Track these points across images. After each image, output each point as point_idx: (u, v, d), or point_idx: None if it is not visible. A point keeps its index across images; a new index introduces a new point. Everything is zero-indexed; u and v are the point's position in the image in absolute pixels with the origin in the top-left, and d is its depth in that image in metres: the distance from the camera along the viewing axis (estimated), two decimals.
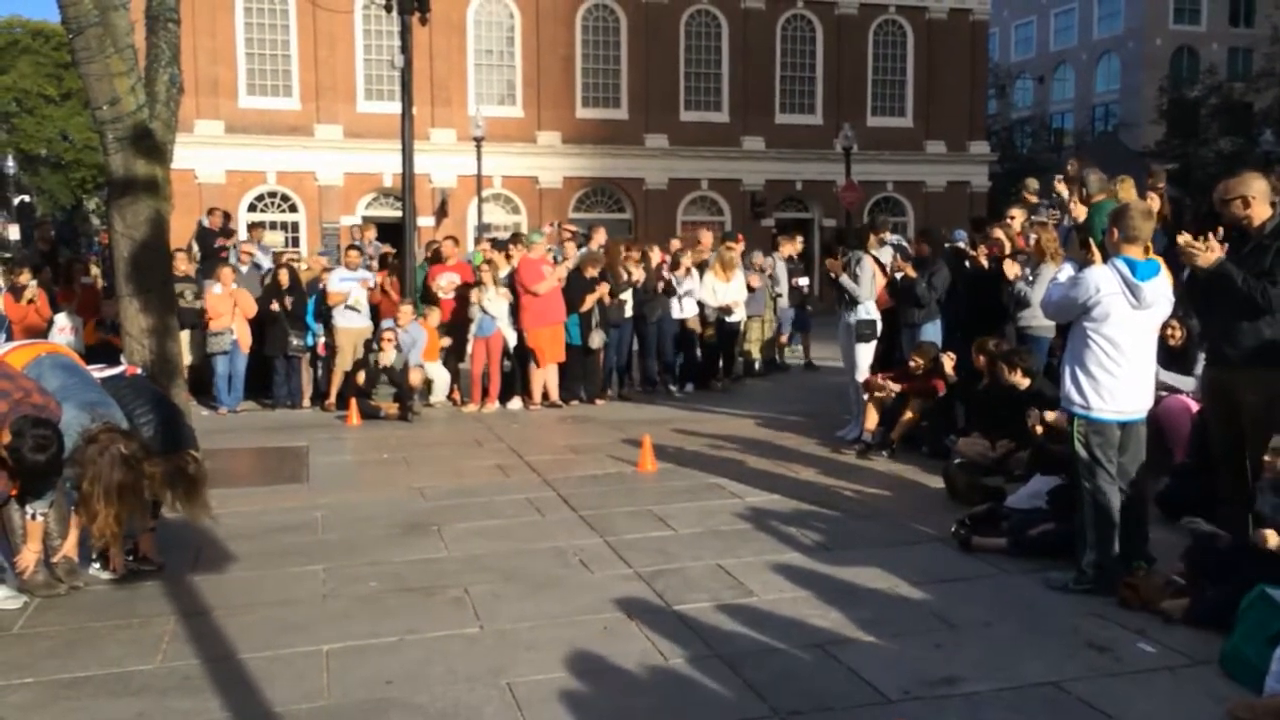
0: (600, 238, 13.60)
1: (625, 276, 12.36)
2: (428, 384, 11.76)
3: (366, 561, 5.86)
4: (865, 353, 9.41)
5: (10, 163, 38.98)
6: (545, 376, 11.73)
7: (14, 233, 38.32)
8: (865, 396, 8.99)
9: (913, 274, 9.56)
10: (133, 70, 7.41)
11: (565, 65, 29.71)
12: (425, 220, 27.06)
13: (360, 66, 28.16)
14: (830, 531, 6.35)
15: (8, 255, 30.06)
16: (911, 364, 8.82)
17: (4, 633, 4.78)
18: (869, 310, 9.37)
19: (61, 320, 11.38)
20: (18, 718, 3.91)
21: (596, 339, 11.90)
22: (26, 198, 45.88)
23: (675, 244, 14.06)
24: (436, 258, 12.90)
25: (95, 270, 15.10)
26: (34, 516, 5.09)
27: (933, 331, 9.55)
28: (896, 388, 8.77)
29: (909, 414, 8.62)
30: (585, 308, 11.73)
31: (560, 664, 4.34)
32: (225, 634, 4.73)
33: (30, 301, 11.42)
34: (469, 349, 11.87)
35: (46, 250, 14.46)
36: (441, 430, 10.56)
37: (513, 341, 11.77)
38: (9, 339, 11.32)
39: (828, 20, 31.62)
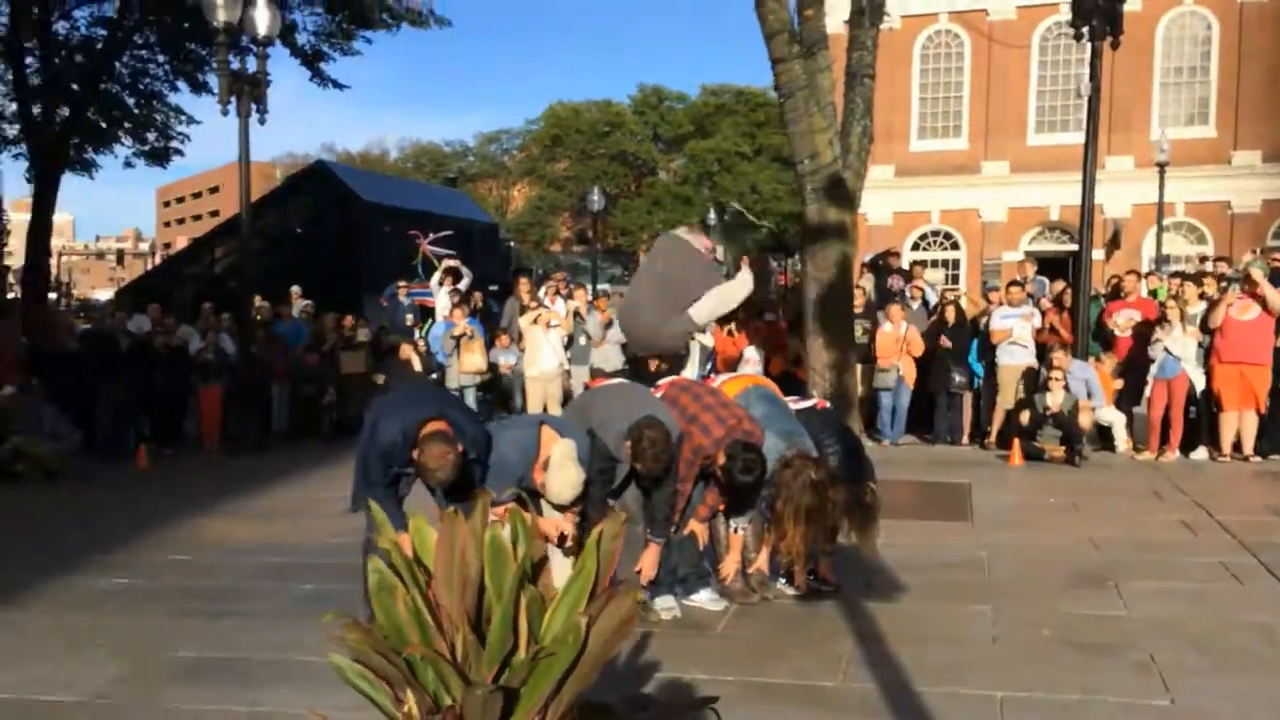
0: None
1: None
2: (1100, 428, 11.12)
3: (1036, 609, 5.66)
4: None
5: (712, 216, 44.58)
6: (1238, 424, 10.43)
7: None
8: None
9: None
10: (831, 125, 8.08)
11: (1272, 76, 26.30)
12: (1096, 254, 25.69)
13: (1033, 99, 27.70)
14: None
15: None
16: None
17: (709, 631, 5.42)
18: None
19: (750, 353, 12.71)
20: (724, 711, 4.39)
21: None
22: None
23: None
24: (1115, 294, 12.16)
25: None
26: (736, 530, 5.73)
27: None
28: None
29: None
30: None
31: None
32: (898, 663, 4.87)
33: (730, 334, 12.93)
34: (1147, 391, 10.99)
35: None
36: (1113, 478, 9.89)
37: (1199, 384, 10.66)
38: (714, 370, 12.95)
39: None
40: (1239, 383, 10.32)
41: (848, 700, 4.45)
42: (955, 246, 28.83)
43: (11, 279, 27.27)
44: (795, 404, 6.03)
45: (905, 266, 16.83)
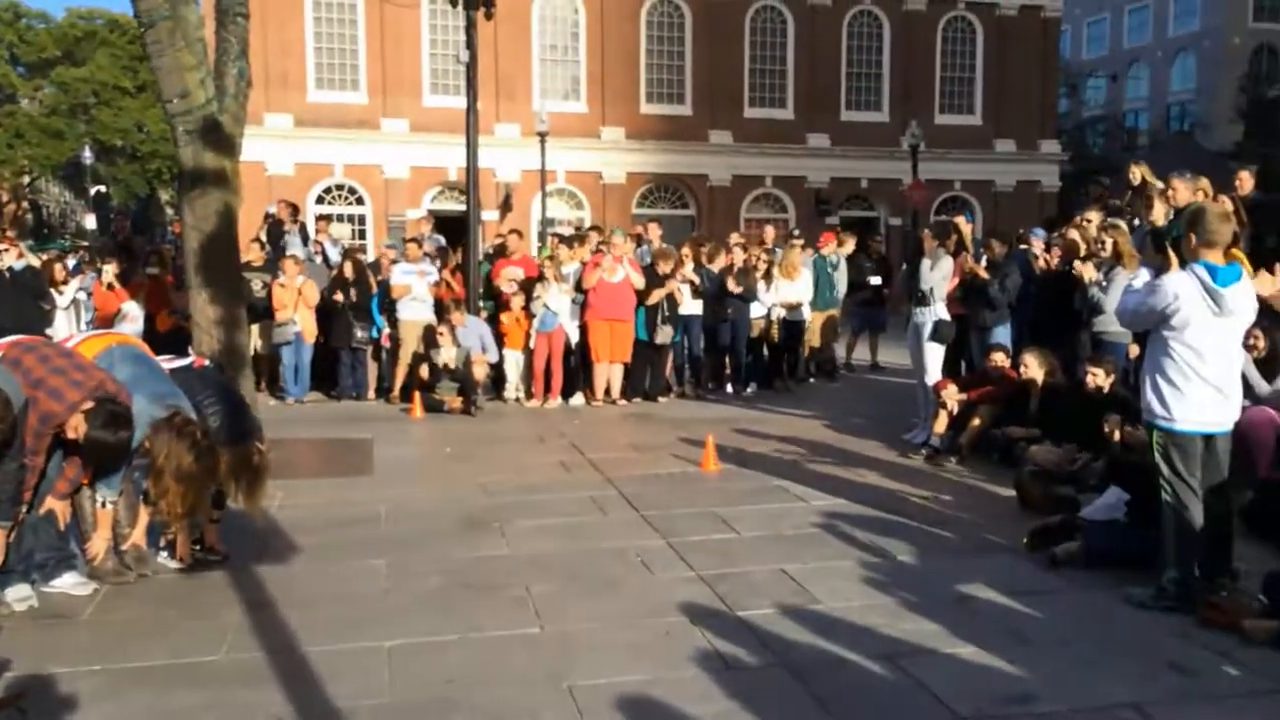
0: (654, 234, 13.46)
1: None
2: (500, 374, 11.86)
3: (429, 557, 5.85)
4: (936, 354, 9.22)
5: (88, 153, 39.95)
6: (609, 373, 11.70)
7: (91, 221, 39.38)
8: (936, 399, 8.81)
9: (985, 275, 9.36)
10: (202, 64, 7.50)
11: (629, 60, 29.65)
12: (489, 214, 27.18)
13: (426, 61, 28.36)
14: (898, 538, 6.22)
15: (85, 243, 30.86)
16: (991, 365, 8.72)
17: (74, 619, 4.84)
18: (943, 311, 9.17)
19: (130, 309, 11.60)
20: (87, 706, 3.94)
21: (664, 334, 11.82)
22: (103, 188, 47.03)
23: (736, 238, 13.75)
24: (501, 252, 12.91)
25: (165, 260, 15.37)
26: (104, 504, 5.15)
27: (1003, 334, 9.35)
28: (961, 396, 8.60)
29: (978, 419, 8.44)
30: (652, 301, 11.67)
31: (621, 667, 4.29)
32: (289, 627, 4.73)
33: (110, 288, 11.71)
34: (531, 344, 11.87)
35: (123, 240, 14.77)
36: (504, 425, 10.58)
37: (575, 337, 11.76)
38: (91, 326, 11.64)
39: (895, 16, 31.19)
40: (609, 336, 11.53)
41: (230, 673, 4.23)
42: (360, 201, 28.73)
43: None
44: (170, 363, 5.55)
45: (304, 219, 16.43)
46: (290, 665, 4.31)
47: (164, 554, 5.63)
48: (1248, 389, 6.80)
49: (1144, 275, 5.18)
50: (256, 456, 5.37)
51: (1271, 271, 5.10)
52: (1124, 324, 6.07)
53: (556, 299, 11.50)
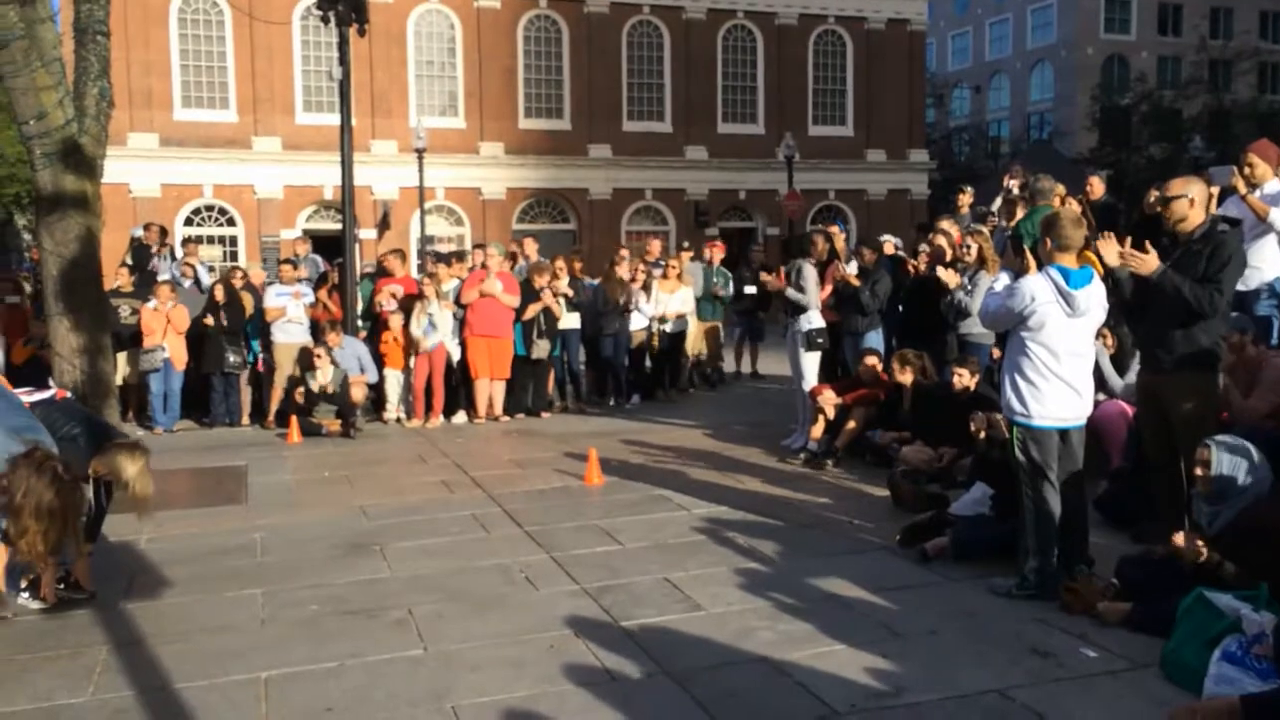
0: (530, 249, 13.45)
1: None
2: (380, 394, 11.68)
3: (306, 584, 5.74)
4: (812, 361, 9.45)
5: None
6: (489, 390, 11.64)
7: None
8: (813, 405, 9.02)
9: (856, 282, 9.63)
10: (60, 84, 7.25)
11: (507, 76, 29.64)
12: (367, 233, 26.84)
13: (298, 78, 27.83)
14: (777, 542, 6.35)
15: None
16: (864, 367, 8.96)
17: None
18: (817, 318, 9.41)
19: None
20: None
21: (540, 349, 11.82)
22: None
23: (622, 252, 13.76)
24: (382, 271, 12.73)
25: (26, 287, 14.74)
26: None
27: (875, 339, 9.63)
28: (837, 400, 8.82)
29: (853, 422, 8.67)
30: (528, 316, 11.67)
31: (505, 685, 4.28)
32: (159, 663, 4.59)
33: None
34: (412, 363, 11.73)
35: None
36: (384, 447, 10.43)
37: (455, 355, 11.67)
38: None
39: (768, 30, 31.88)
40: (487, 353, 11.48)
41: (98, 715, 4.09)
42: (232, 223, 27.99)
43: None
44: (29, 396, 5.34)
45: (172, 242, 15.98)
46: (161, 703, 4.19)
47: (25, 594, 5.40)
48: (1102, 383, 7.20)
49: (1004, 279, 5.41)
50: (135, 449, 5.24)
51: (1121, 241, 5.42)
52: (985, 325, 6.34)
53: (439, 316, 11.40)
